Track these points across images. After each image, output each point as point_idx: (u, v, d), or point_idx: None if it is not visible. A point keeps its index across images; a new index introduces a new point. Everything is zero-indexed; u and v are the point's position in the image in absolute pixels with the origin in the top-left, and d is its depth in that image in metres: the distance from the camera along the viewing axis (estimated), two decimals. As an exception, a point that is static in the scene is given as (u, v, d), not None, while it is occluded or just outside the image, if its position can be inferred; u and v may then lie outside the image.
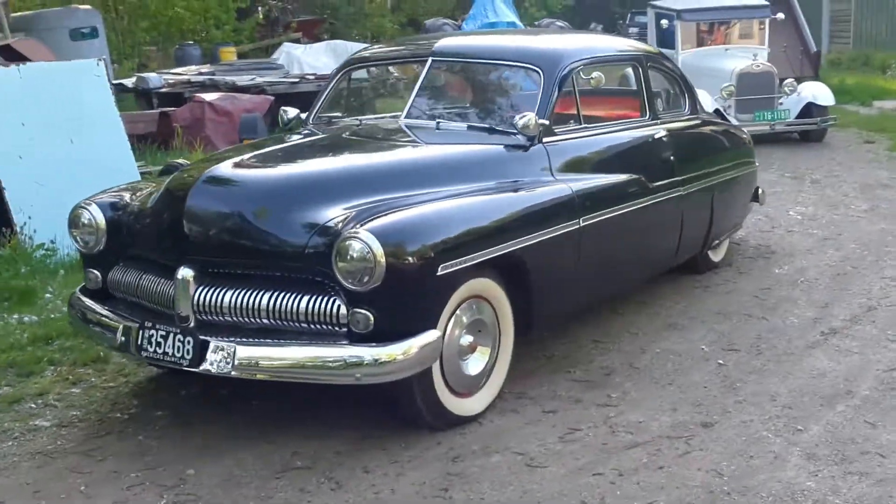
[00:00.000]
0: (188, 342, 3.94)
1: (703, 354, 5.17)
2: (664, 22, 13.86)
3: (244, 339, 3.93)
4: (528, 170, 4.87)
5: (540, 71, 5.13)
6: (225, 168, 4.21)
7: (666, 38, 14.07)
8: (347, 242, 3.79)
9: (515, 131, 4.86)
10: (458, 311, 4.21)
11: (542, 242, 4.54)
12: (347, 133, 5.16)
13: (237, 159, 4.35)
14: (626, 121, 5.83)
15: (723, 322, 5.71)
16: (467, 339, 4.30)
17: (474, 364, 4.36)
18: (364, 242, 3.76)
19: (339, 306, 3.88)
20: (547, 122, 4.91)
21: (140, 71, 20.20)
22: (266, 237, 4.04)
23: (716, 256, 6.86)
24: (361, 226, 3.84)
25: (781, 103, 12.65)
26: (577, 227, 4.80)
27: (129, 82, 17.36)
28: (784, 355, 5.13)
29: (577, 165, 5.14)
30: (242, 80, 16.28)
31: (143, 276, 4.31)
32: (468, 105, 5.59)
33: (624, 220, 5.21)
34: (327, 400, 4.48)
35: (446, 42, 5.58)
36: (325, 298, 3.91)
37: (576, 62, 5.26)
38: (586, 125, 5.31)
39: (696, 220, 6.14)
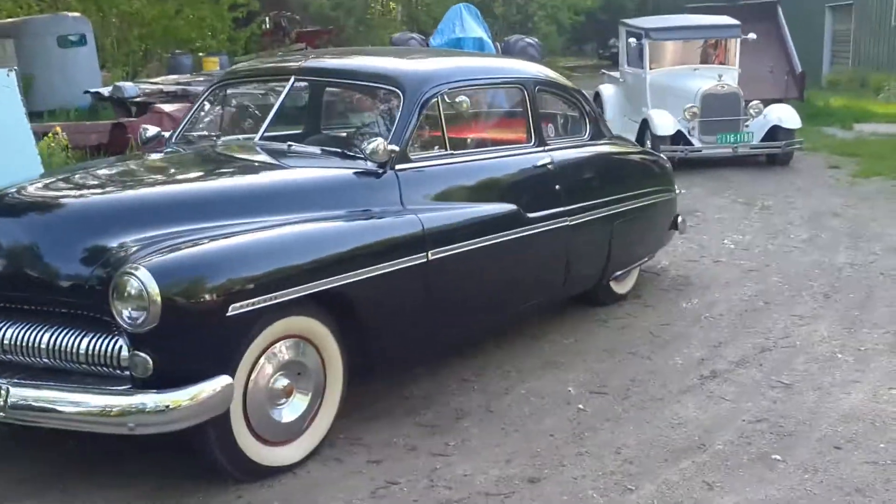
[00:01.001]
0: None
1: (567, 397, 4.85)
2: (632, 40, 13.53)
3: (21, 381, 3.65)
4: (378, 199, 4.57)
5: (400, 93, 4.84)
6: (12, 193, 3.94)
7: (635, 57, 13.76)
8: (124, 279, 3.50)
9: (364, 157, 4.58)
10: (271, 352, 3.92)
11: (374, 278, 4.23)
12: (189, 154, 4.89)
13: (38, 183, 4.08)
14: (503, 147, 5.51)
15: (604, 361, 5.38)
16: (283, 383, 3.99)
17: (290, 410, 4.04)
18: (139, 279, 3.47)
19: (120, 348, 3.60)
20: (397, 148, 4.59)
21: (132, 78, 20.11)
22: (50, 269, 3.77)
23: (621, 288, 6.53)
24: (141, 261, 3.55)
25: (747, 125, 12.30)
26: (424, 261, 4.49)
27: (105, 91, 17.23)
28: (650, 401, 4.80)
29: (436, 194, 4.83)
30: (211, 90, 16.07)
31: None
32: (327, 127, 5.30)
33: (488, 252, 4.89)
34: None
35: (314, 61, 5.31)
36: (108, 339, 3.63)
37: (440, 85, 4.95)
38: (453, 152, 4.98)
39: (589, 251, 5.82)
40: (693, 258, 7.74)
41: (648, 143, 12.04)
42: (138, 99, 16.00)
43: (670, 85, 12.90)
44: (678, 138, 12.18)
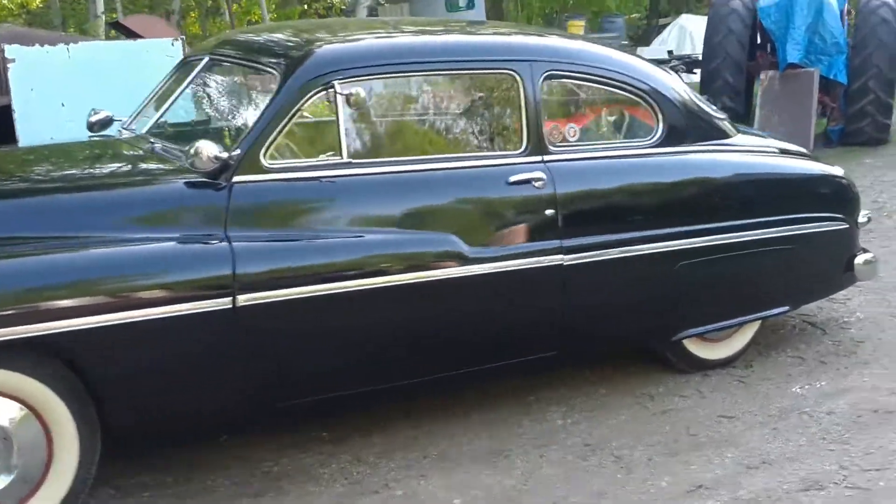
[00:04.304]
0: None
1: (434, 516, 3.45)
2: None
3: None
4: (201, 220, 3.51)
5: (277, 79, 3.71)
6: None
7: None
8: None
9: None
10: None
11: (114, 328, 3.21)
12: (52, 148, 4.22)
13: None
14: (453, 156, 4.00)
15: (565, 463, 3.81)
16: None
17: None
18: None
19: None
20: (225, 155, 3.48)
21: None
22: None
23: (712, 352, 4.70)
24: None
25: None
26: (228, 307, 3.38)
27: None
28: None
29: (306, 218, 3.63)
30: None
31: None
32: (216, 120, 4.28)
33: (364, 300, 3.62)
34: None
35: (237, 35, 4.32)
36: None
37: (336, 72, 3.66)
38: (351, 161, 3.69)
39: (614, 300, 4.23)
40: (900, 313, 5.48)
41: None
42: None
43: None
44: None
